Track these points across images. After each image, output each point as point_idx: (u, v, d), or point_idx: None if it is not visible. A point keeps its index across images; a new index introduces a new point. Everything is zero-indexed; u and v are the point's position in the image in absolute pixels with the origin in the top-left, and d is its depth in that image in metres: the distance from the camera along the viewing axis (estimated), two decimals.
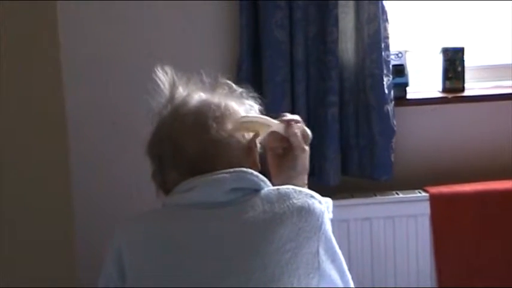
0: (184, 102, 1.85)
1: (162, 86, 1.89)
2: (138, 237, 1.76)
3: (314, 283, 1.74)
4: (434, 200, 3.18)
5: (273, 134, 1.97)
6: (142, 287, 1.72)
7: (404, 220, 3.18)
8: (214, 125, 1.81)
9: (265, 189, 1.79)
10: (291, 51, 3.09)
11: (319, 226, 1.76)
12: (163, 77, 1.90)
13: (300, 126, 2.01)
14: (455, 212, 3.19)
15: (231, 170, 1.77)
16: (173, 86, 1.88)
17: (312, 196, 1.80)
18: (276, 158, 1.99)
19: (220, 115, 1.83)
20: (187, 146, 1.80)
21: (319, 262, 1.75)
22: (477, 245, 3.19)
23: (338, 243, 3.16)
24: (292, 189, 1.80)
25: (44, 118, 2.87)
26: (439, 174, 3.32)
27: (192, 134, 1.80)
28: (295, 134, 1.99)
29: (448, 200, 3.19)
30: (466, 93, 3.35)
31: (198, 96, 1.87)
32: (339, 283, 1.82)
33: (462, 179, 3.27)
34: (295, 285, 1.70)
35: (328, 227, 1.80)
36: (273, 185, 1.85)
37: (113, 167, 3.17)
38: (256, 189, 1.78)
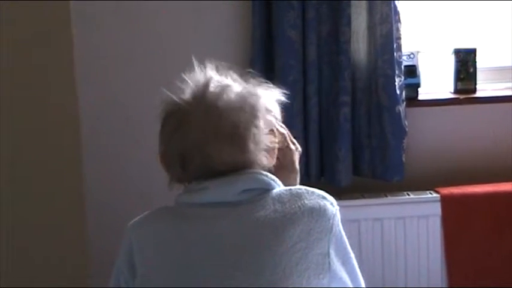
0: (221, 97, 1.78)
1: (197, 75, 1.83)
2: (148, 235, 1.76)
3: (324, 284, 1.74)
4: (445, 201, 3.18)
5: None
6: (153, 284, 1.72)
7: (415, 221, 3.18)
8: (254, 132, 1.78)
9: (277, 189, 1.79)
10: (304, 51, 3.09)
11: (330, 227, 1.76)
12: (200, 68, 1.84)
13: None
14: (466, 213, 3.19)
15: (243, 172, 1.77)
16: (209, 78, 1.81)
17: (323, 197, 1.79)
18: None
19: (259, 117, 1.79)
20: (213, 157, 1.76)
21: (329, 263, 1.75)
22: (488, 246, 3.19)
23: (349, 243, 3.16)
24: (305, 189, 1.80)
25: (57, 114, 2.89)
26: (450, 175, 3.31)
27: (223, 146, 1.76)
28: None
29: (459, 201, 3.19)
30: (478, 94, 3.35)
31: (238, 91, 1.80)
32: (350, 285, 1.82)
33: (473, 180, 3.27)
34: (304, 285, 1.70)
35: (340, 228, 1.79)
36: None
37: (126, 164, 3.18)
38: (268, 189, 1.78)
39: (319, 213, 1.75)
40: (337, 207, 1.80)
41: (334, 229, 1.77)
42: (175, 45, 3.14)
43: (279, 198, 1.76)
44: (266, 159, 1.81)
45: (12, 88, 2.84)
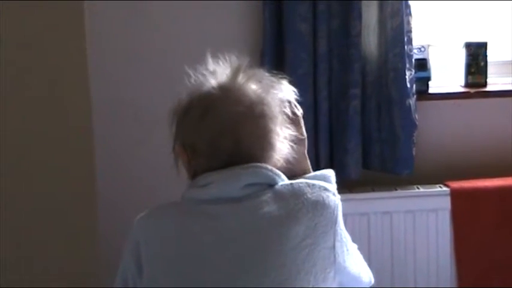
0: (250, 85, 1.79)
1: (221, 68, 1.82)
2: (155, 232, 1.76)
3: (330, 277, 1.75)
4: (455, 194, 3.18)
5: None
6: (158, 281, 1.73)
7: (424, 214, 3.18)
8: (276, 129, 1.79)
9: (279, 183, 1.78)
10: (314, 44, 3.09)
11: (334, 219, 1.77)
12: (223, 60, 1.84)
13: None
14: (476, 207, 3.19)
15: (246, 165, 1.76)
16: (237, 71, 1.81)
17: (325, 189, 1.79)
18: None
19: (279, 114, 1.81)
20: (244, 139, 1.76)
21: (335, 256, 1.75)
22: (497, 239, 3.19)
23: (358, 236, 3.18)
24: (306, 183, 1.79)
25: (69, 111, 2.89)
26: (460, 169, 3.31)
27: (253, 131, 1.76)
28: None
29: (468, 195, 3.19)
30: (489, 88, 3.35)
31: (259, 87, 1.81)
32: (356, 273, 1.84)
33: (483, 174, 3.27)
34: (311, 283, 1.71)
35: (341, 218, 1.80)
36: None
37: (137, 162, 3.19)
38: (271, 184, 1.78)
39: (323, 206, 1.76)
40: (339, 196, 1.81)
41: (338, 220, 1.78)
42: (186, 41, 3.13)
43: (282, 194, 1.76)
44: (286, 148, 1.82)
45: (25, 87, 2.84)
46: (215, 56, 1.85)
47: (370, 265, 3.18)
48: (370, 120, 3.19)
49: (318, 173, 1.93)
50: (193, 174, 1.81)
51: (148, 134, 3.09)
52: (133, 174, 3.19)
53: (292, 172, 1.88)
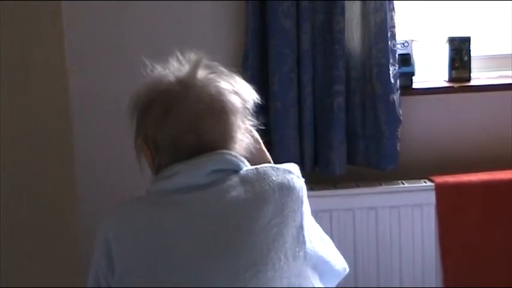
0: (210, 79, 1.82)
1: (178, 64, 1.86)
2: (124, 227, 1.76)
3: (301, 256, 1.77)
4: (439, 189, 3.18)
5: None
6: (131, 275, 1.73)
7: (409, 209, 3.19)
8: (237, 122, 1.82)
9: (244, 169, 1.81)
10: (298, 40, 3.09)
11: (301, 200, 1.80)
12: (181, 57, 1.87)
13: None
14: (461, 202, 3.20)
15: (210, 153, 1.78)
16: (196, 66, 1.84)
17: (289, 172, 1.82)
18: None
19: (239, 107, 1.83)
20: (207, 134, 1.79)
21: (303, 236, 1.78)
22: (482, 233, 3.20)
23: (343, 232, 3.18)
24: (270, 167, 1.83)
25: (48, 105, 2.87)
26: (444, 163, 3.32)
27: (215, 126, 1.79)
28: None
29: (453, 190, 3.19)
30: (472, 82, 3.35)
31: (222, 82, 1.83)
32: (328, 258, 1.86)
33: (468, 168, 3.28)
34: (282, 261, 1.73)
35: (306, 199, 1.83)
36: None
37: (117, 157, 3.17)
38: (236, 170, 1.80)
39: (288, 187, 1.79)
40: (303, 179, 1.84)
41: (304, 201, 1.81)
42: (168, 37, 3.12)
43: (248, 178, 1.78)
44: (247, 139, 1.86)
45: (1, 81, 2.83)
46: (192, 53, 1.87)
47: (355, 260, 3.19)
48: (355, 116, 3.19)
49: (280, 165, 1.93)
50: (157, 169, 1.82)
51: (129, 133, 3.08)
52: (114, 172, 3.17)
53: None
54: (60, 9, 2.83)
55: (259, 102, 1.90)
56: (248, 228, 1.72)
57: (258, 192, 1.76)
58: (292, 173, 1.82)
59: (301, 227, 1.78)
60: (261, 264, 1.71)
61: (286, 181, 1.79)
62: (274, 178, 1.79)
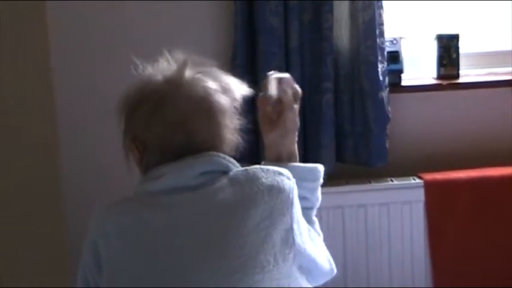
0: (199, 78, 1.82)
1: (167, 63, 1.86)
2: (112, 228, 1.75)
3: (290, 258, 1.76)
4: (428, 186, 3.19)
5: (265, 99, 1.97)
6: (120, 275, 1.73)
7: (398, 206, 3.19)
8: (225, 121, 1.82)
9: (234, 170, 1.80)
10: (286, 38, 3.09)
11: (291, 202, 1.79)
12: (170, 56, 1.87)
13: (289, 83, 2.00)
14: (450, 199, 3.20)
15: (199, 154, 1.78)
16: (184, 65, 1.84)
17: (280, 173, 1.81)
18: (268, 122, 1.99)
19: (228, 106, 1.83)
20: (194, 134, 1.79)
21: (293, 237, 1.77)
22: (471, 230, 3.20)
23: (333, 229, 3.18)
24: (260, 168, 1.82)
25: (33, 105, 2.86)
26: (433, 160, 3.32)
27: (203, 126, 1.79)
28: (285, 91, 1.99)
29: (442, 187, 3.20)
30: (461, 80, 3.35)
31: (210, 81, 1.83)
32: (315, 257, 1.85)
33: (457, 165, 3.28)
34: (271, 264, 1.72)
35: (297, 200, 1.81)
36: (265, 143, 1.94)
37: (104, 157, 3.16)
38: (225, 171, 1.79)
39: (278, 189, 1.78)
40: (294, 180, 1.83)
41: (294, 203, 1.80)
42: (155, 33, 3.11)
43: (237, 180, 1.78)
44: (236, 139, 1.85)
45: None
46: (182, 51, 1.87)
47: (345, 258, 3.19)
48: (343, 114, 3.19)
49: (270, 167, 1.92)
50: (145, 169, 1.82)
51: (116, 133, 3.07)
52: (102, 172, 3.16)
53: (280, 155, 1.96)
54: (44, 9, 2.82)
55: (250, 96, 1.90)
56: (236, 231, 1.71)
57: (246, 194, 1.75)
58: (282, 174, 1.81)
59: (291, 229, 1.77)
60: (249, 267, 1.70)
61: (276, 183, 1.78)
62: (263, 180, 1.78)
